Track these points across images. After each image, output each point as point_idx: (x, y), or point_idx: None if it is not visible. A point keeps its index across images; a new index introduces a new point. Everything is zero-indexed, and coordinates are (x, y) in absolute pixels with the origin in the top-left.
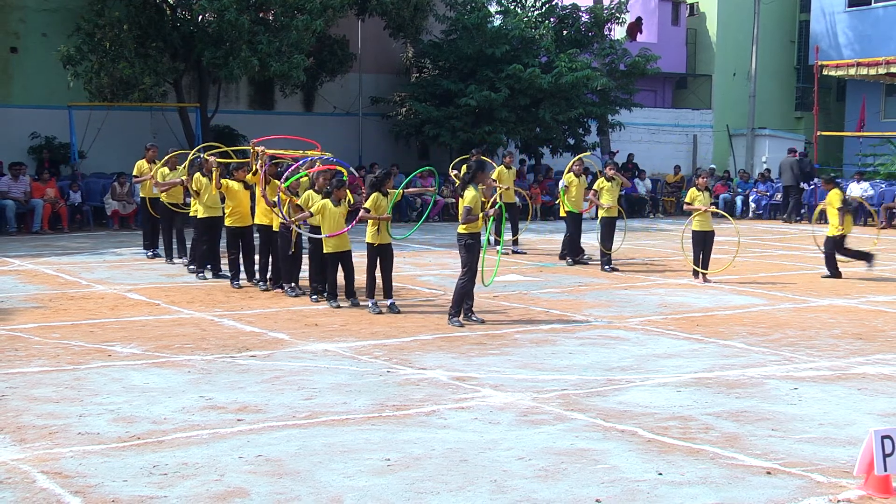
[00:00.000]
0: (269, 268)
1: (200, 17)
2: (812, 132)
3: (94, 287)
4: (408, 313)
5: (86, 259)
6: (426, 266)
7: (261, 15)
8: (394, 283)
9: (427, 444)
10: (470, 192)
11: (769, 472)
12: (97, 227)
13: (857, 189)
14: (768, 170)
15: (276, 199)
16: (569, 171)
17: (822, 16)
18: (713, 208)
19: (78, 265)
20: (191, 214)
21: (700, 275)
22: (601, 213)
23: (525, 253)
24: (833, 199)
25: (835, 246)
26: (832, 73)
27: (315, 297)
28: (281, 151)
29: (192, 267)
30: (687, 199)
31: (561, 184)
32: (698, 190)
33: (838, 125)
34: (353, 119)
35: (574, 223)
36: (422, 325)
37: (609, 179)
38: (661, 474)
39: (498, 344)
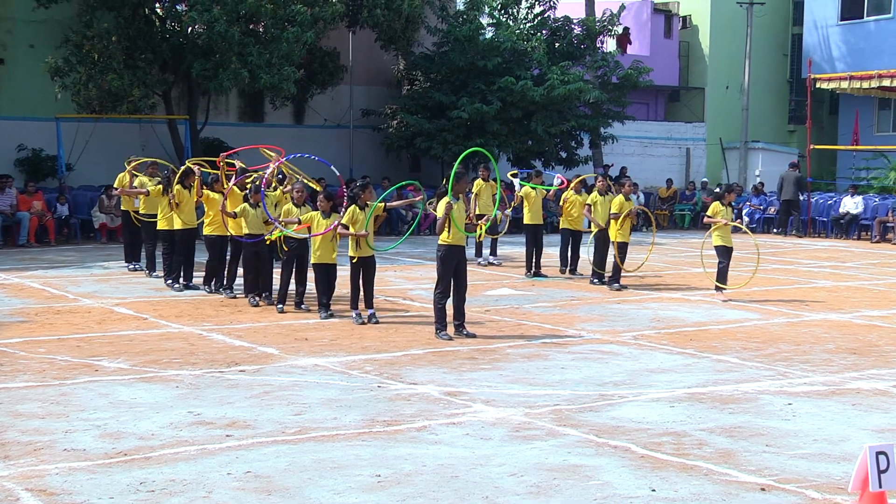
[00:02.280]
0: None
1: (190, 28)
2: (805, 145)
3: (81, 301)
4: (398, 328)
5: (73, 272)
6: (417, 280)
7: (251, 27)
8: (385, 298)
9: (418, 460)
10: (441, 203)
11: (763, 489)
12: (84, 240)
13: (850, 203)
14: (762, 183)
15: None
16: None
17: (815, 29)
18: (735, 223)
19: (65, 279)
20: (160, 228)
21: (721, 290)
22: (594, 229)
23: (500, 264)
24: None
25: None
26: (825, 86)
27: (281, 307)
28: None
29: (169, 281)
30: (709, 213)
31: (518, 186)
32: (722, 205)
33: (831, 139)
34: (343, 132)
35: (532, 235)
36: (412, 340)
37: (602, 193)
38: (654, 490)
39: (489, 359)
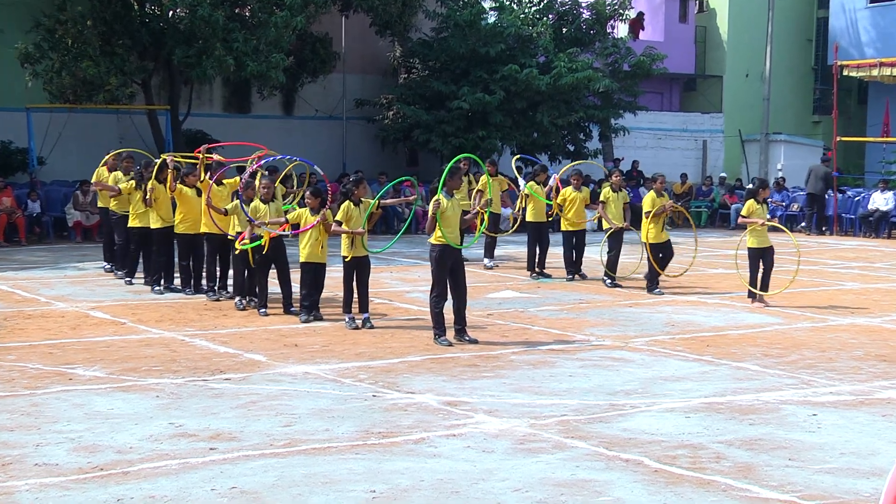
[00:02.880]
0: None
1: (171, 12)
2: (831, 137)
3: (53, 304)
4: (395, 333)
5: (45, 274)
6: (414, 282)
7: (237, 10)
8: (382, 301)
9: (416, 475)
10: (433, 200)
11: None
12: (57, 239)
13: (880, 199)
14: (783, 178)
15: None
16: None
17: (842, 12)
18: (772, 222)
19: (36, 280)
20: (131, 225)
21: (757, 297)
22: (605, 225)
23: (497, 266)
24: (646, 203)
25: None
26: (853, 73)
27: (264, 310)
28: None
29: (127, 278)
30: (743, 212)
31: (522, 185)
32: (757, 202)
33: (859, 130)
34: (336, 123)
35: (535, 234)
36: (410, 346)
37: (616, 190)
38: None
39: (492, 366)
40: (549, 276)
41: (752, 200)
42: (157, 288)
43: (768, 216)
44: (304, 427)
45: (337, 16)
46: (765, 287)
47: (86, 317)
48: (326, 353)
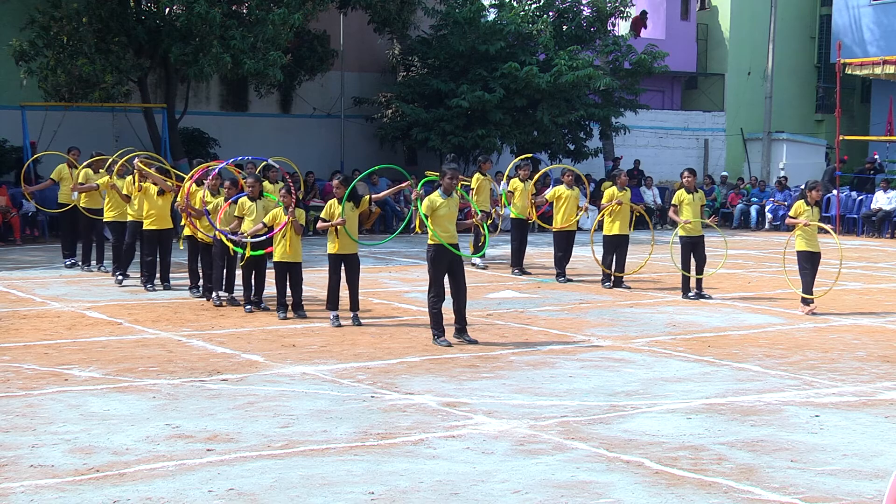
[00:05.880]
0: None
1: (167, 9)
2: (834, 136)
3: (49, 304)
4: (393, 333)
5: (40, 274)
6: (413, 281)
7: (234, 8)
8: (380, 301)
9: (414, 476)
10: (427, 200)
11: None
12: (53, 238)
13: (883, 198)
14: (785, 177)
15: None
16: (514, 177)
17: (845, 9)
18: (823, 224)
19: (31, 280)
20: (106, 220)
21: (808, 303)
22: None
23: (486, 267)
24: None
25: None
26: (856, 71)
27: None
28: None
29: (119, 274)
30: (791, 213)
31: (502, 185)
32: (807, 204)
33: (863, 128)
34: (334, 121)
35: (519, 230)
36: (409, 346)
37: (690, 191)
38: None
39: (492, 366)
40: (527, 273)
41: (801, 201)
42: (150, 286)
43: (818, 217)
44: (302, 428)
45: (335, 13)
46: (808, 291)
47: (81, 317)
48: (324, 354)
